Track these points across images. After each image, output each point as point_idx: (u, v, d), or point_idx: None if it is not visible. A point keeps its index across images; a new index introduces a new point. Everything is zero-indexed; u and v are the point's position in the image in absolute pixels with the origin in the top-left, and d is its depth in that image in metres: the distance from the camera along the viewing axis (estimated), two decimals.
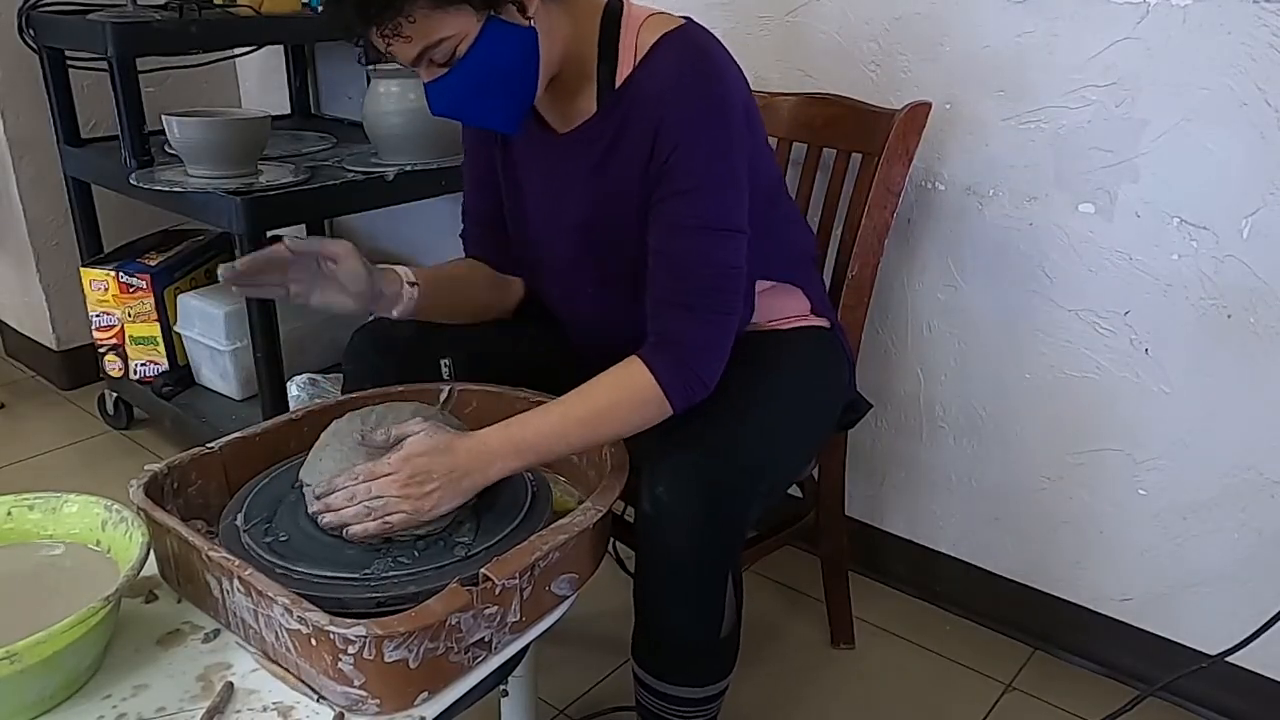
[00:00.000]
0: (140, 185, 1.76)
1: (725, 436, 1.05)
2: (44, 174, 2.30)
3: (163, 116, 1.72)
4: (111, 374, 2.19)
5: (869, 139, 1.39)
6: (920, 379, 1.65)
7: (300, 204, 1.74)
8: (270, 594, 0.84)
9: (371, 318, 1.21)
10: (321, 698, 0.85)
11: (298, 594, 0.85)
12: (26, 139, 2.27)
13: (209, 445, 1.09)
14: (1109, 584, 1.54)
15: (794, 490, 1.60)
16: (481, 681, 0.90)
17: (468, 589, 0.87)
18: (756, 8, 1.63)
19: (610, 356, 1.27)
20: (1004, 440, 1.58)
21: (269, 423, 1.15)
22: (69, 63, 2.05)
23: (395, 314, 1.16)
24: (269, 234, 1.71)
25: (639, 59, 1.07)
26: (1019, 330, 1.51)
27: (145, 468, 1.02)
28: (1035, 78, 1.39)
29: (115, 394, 2.26)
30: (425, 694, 0.86)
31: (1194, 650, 1.46)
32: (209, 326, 2.06)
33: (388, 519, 0.95)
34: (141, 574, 0.89)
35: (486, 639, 0.89)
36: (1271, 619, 1.15)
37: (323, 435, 1.04)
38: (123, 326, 2.13)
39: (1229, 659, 1.21)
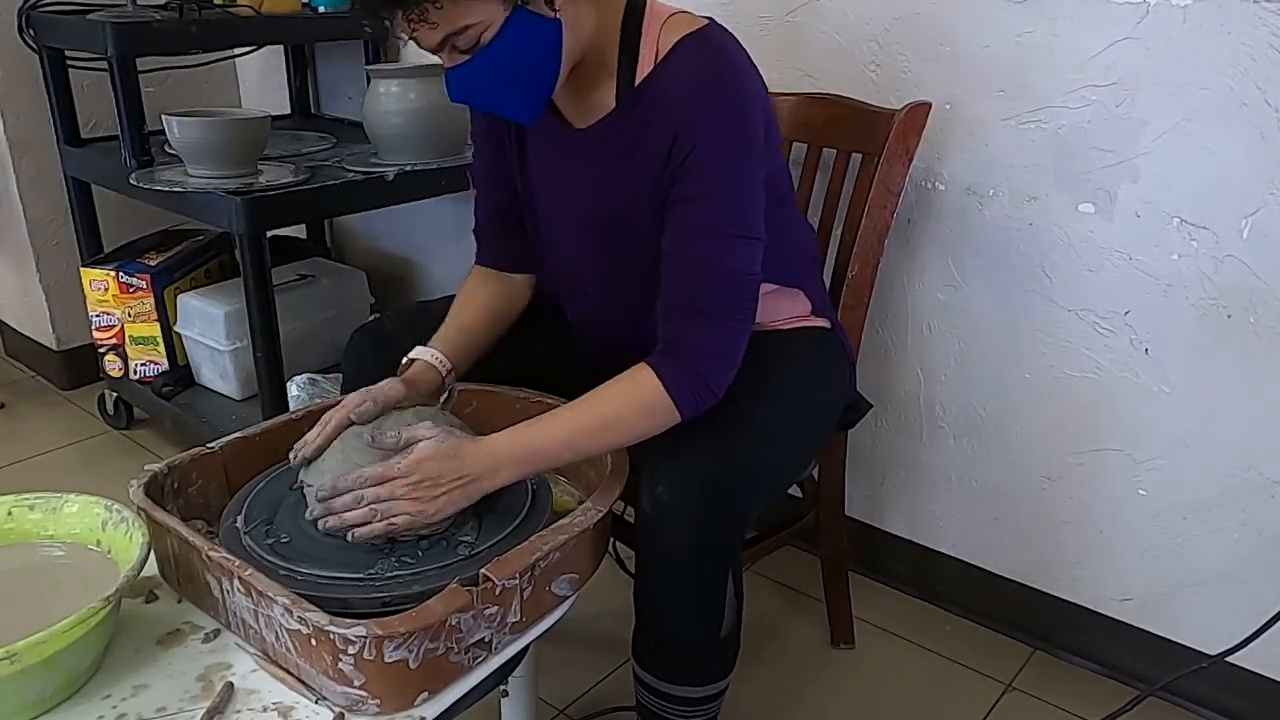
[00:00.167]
0: (140, 185, 1.76)
1: (725, 437, 1.05)
2: (44, 174, 2.30)
3: (163, 116, 1.72)
4: (111, 374, 2.19)
5: (869, 139, 1.39)
6: (920, 379, 1.65)
7: (300, 204, 1.74)
8: (270, 594, 0.84)
9: (371, 317, 1.21)
10: (321, 698, 0.85)
11: (303, 595, 0.86)
12: (26, 139, 2.27)
13: (209, 445, 1.09)
14: (1109, 584, 1.54)
15: (794, 490, 1.60)
16: (482, 682, 0.90)
17: (468, 589, 0.87)
18: (756, 8, 1.63)
19: (611, 355, 1.27)
20: (1004, 440, 1.58)
21: (269, 423, 1.16)
22: (69, 63, 2.05)
23: (440, 403, 1.16)
24: (269, 234, 1.72)
25: (660, 57, 1.07)
26: (1019, 330, 1.51)
27: (145, 468, 1.02)
28: (1035, 78, 1.39)
29: (115, 394, 2.26)
30: (425, 694, 0.86)
31: (1194, 650, 1.46)
32: (209, 326, 2.06)
33: (393, 521, 0.95)
34: (142, 574, 0.89)
35: (487, 639, 0.89)
36: (1271, 619, 1.15)
37: None
38: (123, 326, 2.13)
39: (1229, 659, 1.21)
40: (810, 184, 1.47)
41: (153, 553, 0.95)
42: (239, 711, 0.85)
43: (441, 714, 0.86)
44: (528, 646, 0.97)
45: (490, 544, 0.98)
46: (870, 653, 1.63)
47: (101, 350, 2.17)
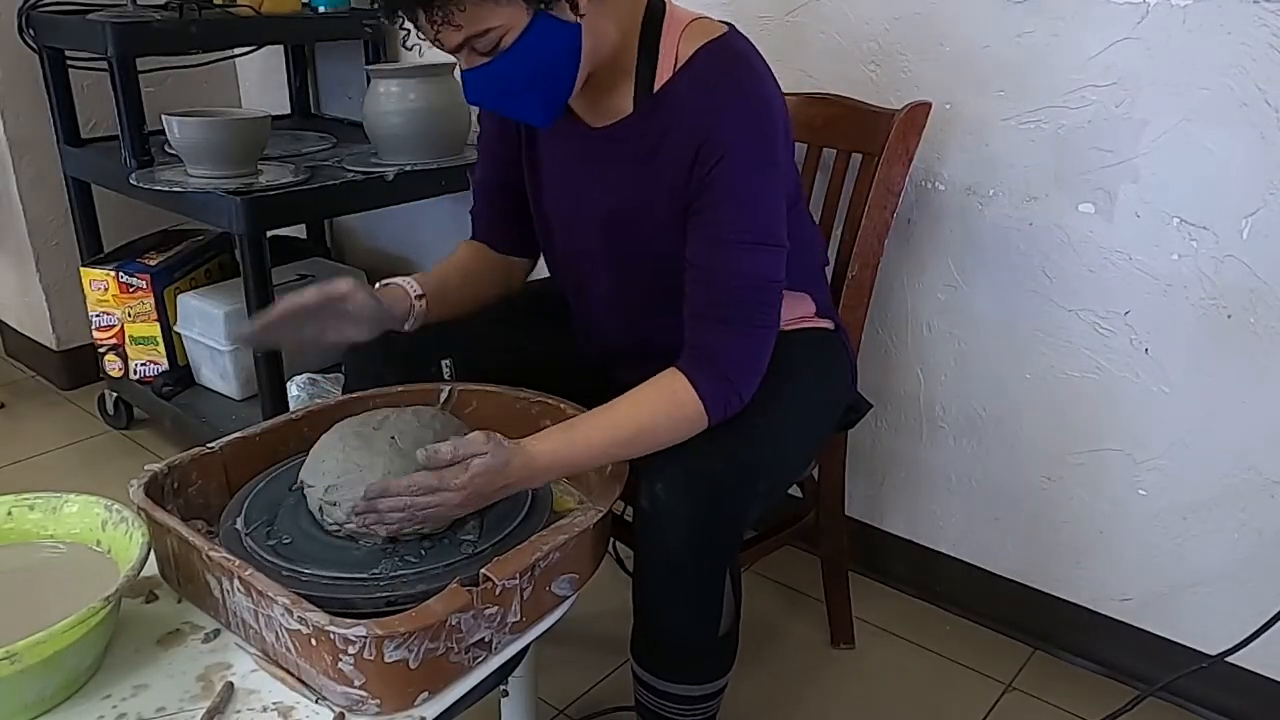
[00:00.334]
0: (140, 185, 1.76)
1: (726, 436, 1.05)
2: (44, 174, 2.29)
3: (163, 116, 1.72)
4: (111, 374, 2.19)
5: (869, 139, 1.39)
6: (920, 379, 1.65)
7: (300, 204, 1.74)
8: (270, 594, 0.84)
9: None
10: (321, 698, 0.85)
11: (306, 596, 0.85)
12: (26, 139, 2.27)
13: (209, 445, 1.09)
14: (1109, 584, 1.54)
15: (794, 490, 1.60)
16: (482, 682, 0.90)
17: (468, 589, 0.87)
18: (756, 8, 1.63)
19: (613, 356, 1.28)
20: (1004, 440, 1.58)
21: (269, 423, 1.16)
22: (69, 63, 2.05)
23: (406, 328, 1.17)
24: (269, 234, 1.72)
25: (680, 64, 1.07)
26: (1019, 330, 1.51)
27: (145, 468, 1.02)
28: (1035, 78, 1.39)
29: (115, 394, 2.26)
30: (425, 694, 0.86)
31: (1194, 650, 1.46)
32: (209, 326, 2.06)
33: (425, 521, 0.96)
34: (142, 574, 0.89)
35: (487, 639, 0.89)
36: (1271, 619, 1.15)
37: (325, 436, 1.04)
38: (123, 326, 2.13)
39: (1229, 659, 1.21)
40: (810, 184, 1.47)
41: (153, 553, 0.95)
42: (239, 711, 0.85)
43: (441, 714, 0.86)
44: (528, 646, 0.97)
45: (492, 543, 0.98)
46: (870, 653, 1.63)
47: (101, 350, 2.17)
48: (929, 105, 1.37)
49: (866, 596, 1.73)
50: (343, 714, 0.84)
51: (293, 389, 1.94)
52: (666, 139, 1.07)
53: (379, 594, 0.90)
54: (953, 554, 1.70)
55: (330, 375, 1.99)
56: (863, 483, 1.76)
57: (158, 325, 2.12)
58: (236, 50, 2.47)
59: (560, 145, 1.18)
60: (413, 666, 0.83)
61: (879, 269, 1.41)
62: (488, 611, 0.89)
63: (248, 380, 2.04)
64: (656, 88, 1.08)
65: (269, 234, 1.72)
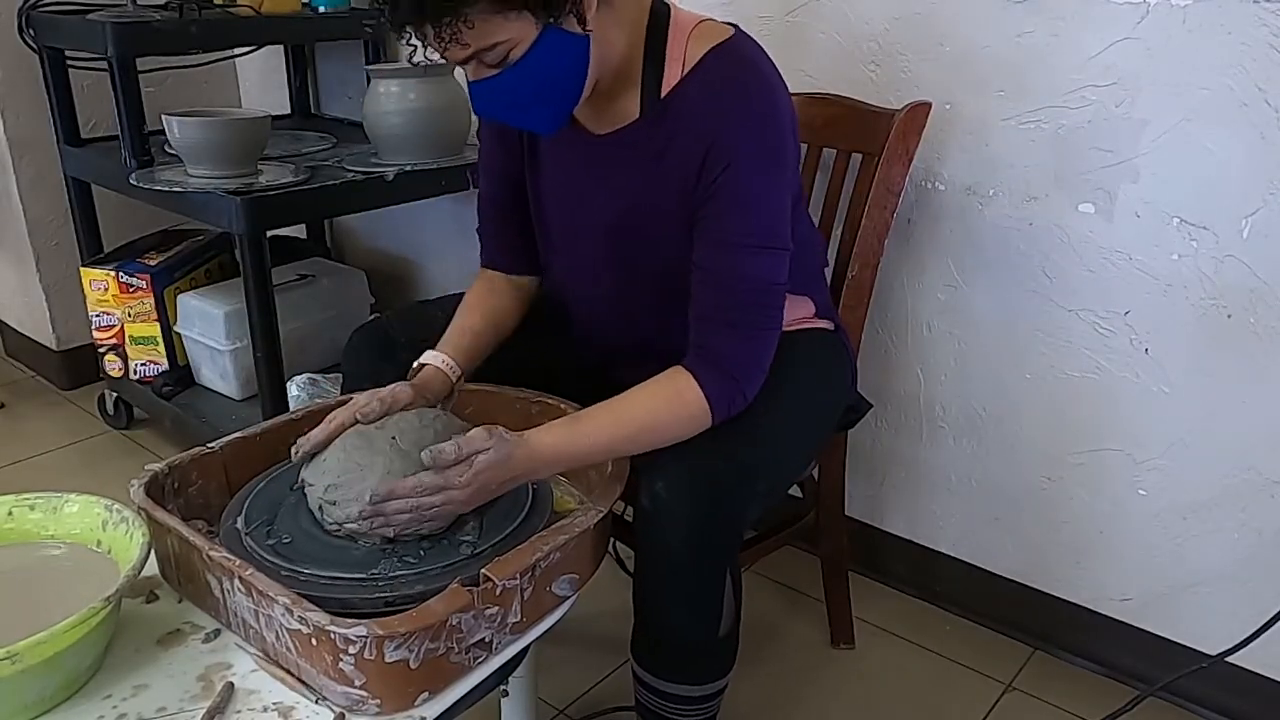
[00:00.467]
0: (140, 185, 1.76)
1: (726, 436, 1.05)
2: (44, 174, 2.29)
3: (163, 116, 1.72)
4: (111, 374, 2.19)
5: (869, 139, 1.39)
6: (920, 379, 1.65)
7: (300, 204, 1.74)
8: (271, 594, 0.84)
9: (371, 317, 1.21)
10: (322, 698, 0.85)
11: (305, 596, 0.85)
12: (26, 139, 2.27)
13: (209, 445, 1.09)
14: (1109, 584, 1.54)
15: (794, 490, 1.60)
16: (482, 682, 0.90)
17: (468, 589, 0.87)
18: (756, 8, 1.63)
19: (613, 358, 1.28)
20: (1004, 440, 1.58)
21: (269, 423, 1.16)
22: (69, 63, 2.05)
23: (449, 409, 1.16)
24: (269, 234, 1.72)
25: (687, 68, 1.06)
26: (1019, 330, 1.51)
27: (145, 468, 1.02)
28: (1035, 78, 1.39)
29: (115, 394, 2.26)
30: (426, 694, 0.86)
31: (1194, 650, 1.46)
32: (209, 326, 2.06)
33: (431, 520, 0.97)
34: (142, 574, 0.89)
35: (487, 639, 0.89)
36: (1271, 619, 1.15)
37: None
38: (123, 326, 2.13)
39: (1229, 659, 1.21)
40: (810, 184, 1.47)
41: (153, 553, 0.94)
42: (239, 711, 0.85)
43: (442, 714, 0.86)
44: (528, 646, 0.97)
45: (492, 544, 0.98)
46: (870, 653, 1.63)
47: (101, 350, 2.17)
48: (929, 105, 1.37)
49: (866, 596, 1.73)
50: (343, 714, 0.84)
51: (293, 389, 1.94)
52: (674, 143, 1.07)
53: (377, 594, 0.90)
54: (953, 554, 1.70)
55: (330, 375, 2.00)
56: (863, 483, 1.76)
57: (158, 325, 2.12)
58: (236, 50, 2.47)
59: (563, 152, 1.18)
60: (413, 666, 0.83)
61: (879, 269, 1.41)
62: (488, 611, 0.89)
63: (248, 380, 2.04)
64: (664, 92, 1.07)
65: (269, 234, 1.72)
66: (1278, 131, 1.23)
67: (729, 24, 1.10)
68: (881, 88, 1.53)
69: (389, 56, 2.24)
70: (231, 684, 0.87)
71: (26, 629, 0.78)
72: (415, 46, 1.00)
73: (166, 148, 1.83)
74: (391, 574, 0.94)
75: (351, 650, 0.81)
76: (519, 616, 0.92)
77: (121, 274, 2.09)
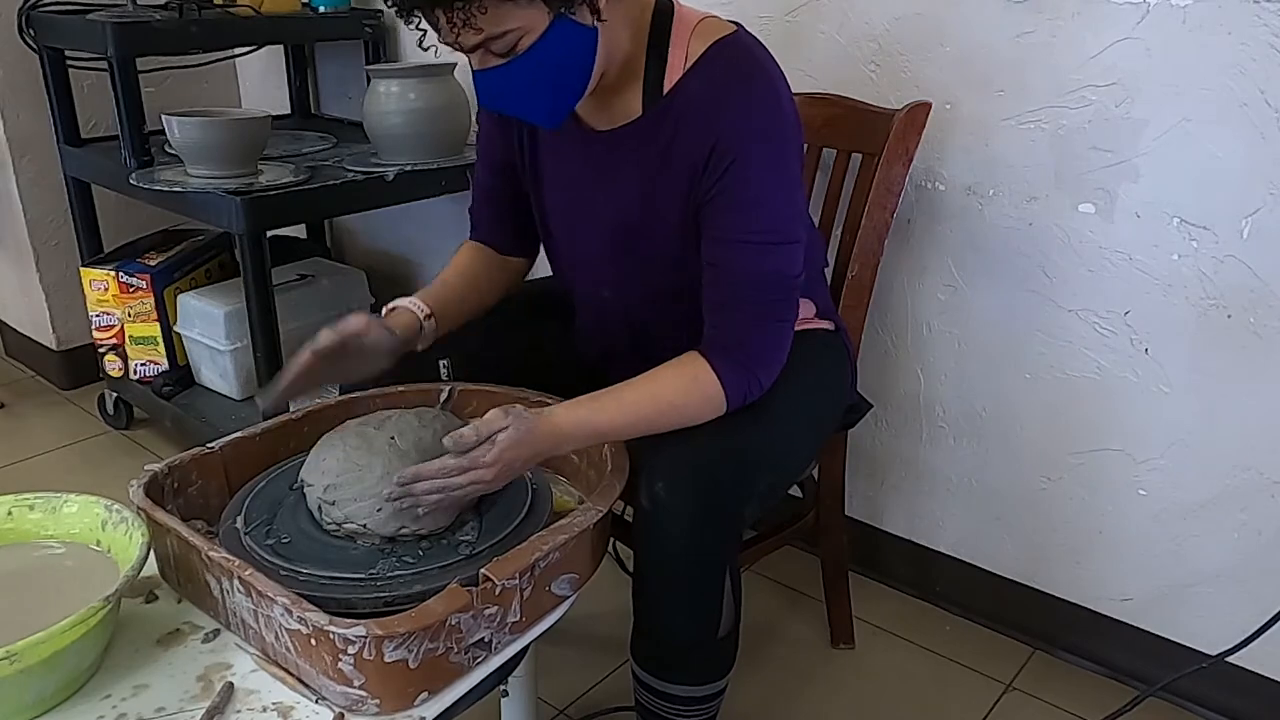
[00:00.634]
0: (140, 185, 1.76)
1: (726, 435, 1.05)
2: (44, 174, 2.30)
3: (163, 116, 1.72)
4: (111, 374, 2.19)
5: (869, 139, 1.39)
6: (920, 379, 1.65)
7: (300, 204, 1.74)
8: (270, 594, 0.84)
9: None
10: (321, 698, 0.85)
11: (304, 595, 0.85)
12: (26, 139, 2.27)
13: (209, 445, 1.09)
14: (1109, 584, 1.54)
15: (794, 490, 1.60)
16: (481, 681, 0.90)
17: (468, 589, 0.87)
18: (756, 8, 1.63)
19: (613, 357, 1.28)
20: (1004, 440, 1.58)
21: (269, 423, 1.16)
22: (69, 63, 2.05)
23: (419, 349, 1.18)
24: (269, 233, 1.72)
25: (689, 64, 1.06)
26: (1019, 330, 1.51)
27: (145, 468, 1.02)
28: (1035, 78, 1.39)
29: (115, 394, 2.26)
30: (425, 694, 0.86)
31: (1194, 650, 1.46)
32: (209, 326, 2.06)
33: (461, 502, 0.98)
34: (141, 574, 0.89)
35: (486, 639, 0.89)
36: (1271, 619, 1.15)
37: (325, 436, 1.04)
38: (123, 326, 2.13)
39: (1229, 659, 1.21)
40: (810, 184, 1.47)
41: (153, 553, 0.95)
42: (239, 711, 0.85)
43: (441, 714, 0.86)
44: (528, 646, 0.97)
45: (490, 544, 0.98)
46: (870, 653, 1.63)
47: (101, 350, 2.17)
48: (929, 105, 1.37)
49: (866, 596, 1.73)
50: (342, 714, 0.84)
51: None
52: (677, 139, 1.07)
53: (376, 594, 0.90)
54: (953, 554, 1.70)
55: None
56: (863, 483, 1.76)
57: (158, 325, 2.12)
58: (236, 50, 2.47)
59: (564, 148, 1.18)
60: (412, 666, 0.83)
61: (879, 269, 1.41)
62: (487, 611, 0.89)
63: (248, 380, 2.04)
64: (667, 88, 1.07)
65: (269, 234, 1.72)
66: (1278, 131, 1.23)
67: (732, 22, 1.10)
68: (882, 88, 1.53)
69: (389, 56, 2.24)
70: (231, 684, 0.87)
71: (26, 629, 0.78)
72: (423, 32, 1.00)
73: (166, 148, 1.83)
74: (390, 574, 0.94)
75: (351, 650, 0.81)
76: (518, 616, 0.92)
77: (121, 274, 2.09)
